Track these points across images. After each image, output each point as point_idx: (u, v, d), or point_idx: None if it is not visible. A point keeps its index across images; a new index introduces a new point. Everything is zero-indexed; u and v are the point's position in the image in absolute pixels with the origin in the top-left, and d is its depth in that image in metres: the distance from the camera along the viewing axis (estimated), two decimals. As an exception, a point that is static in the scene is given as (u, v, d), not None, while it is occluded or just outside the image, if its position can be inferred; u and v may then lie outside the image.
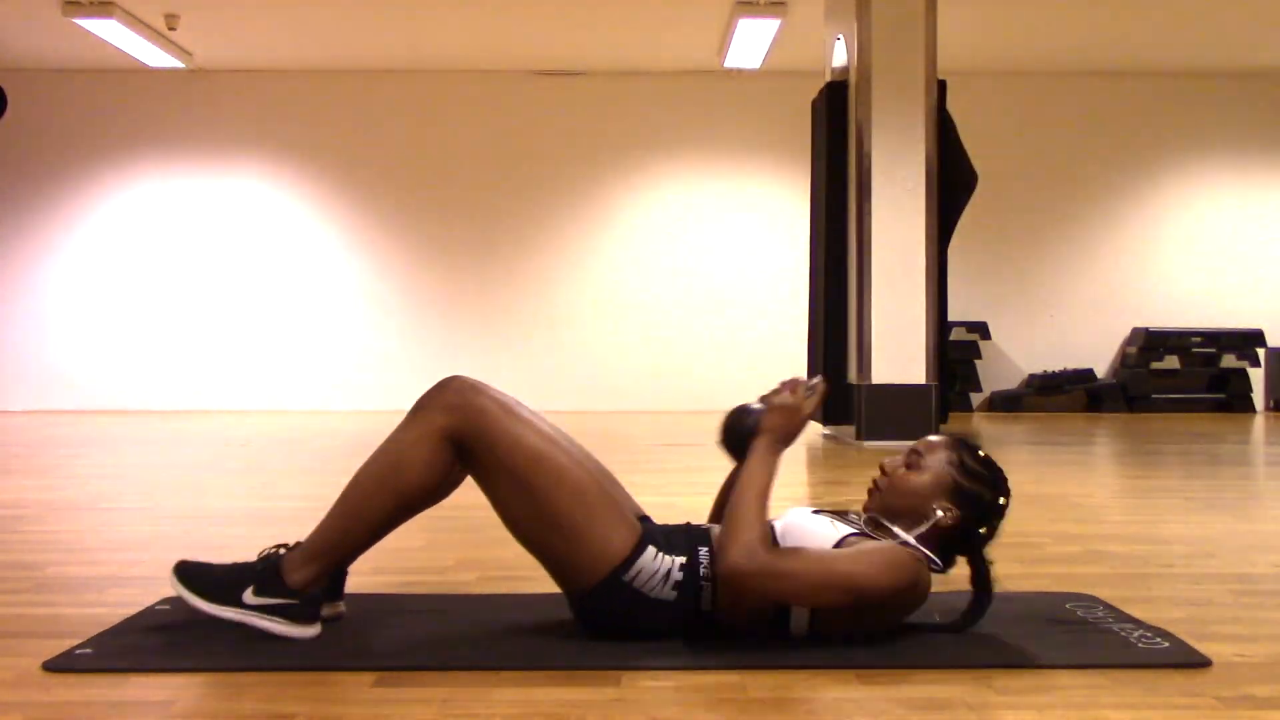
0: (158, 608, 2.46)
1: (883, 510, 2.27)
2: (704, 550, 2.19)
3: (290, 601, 2.17)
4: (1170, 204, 10.55)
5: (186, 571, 2.19)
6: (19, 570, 2.96)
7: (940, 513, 2.21)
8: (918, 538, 2.21)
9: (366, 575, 2.84)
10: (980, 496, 2.23)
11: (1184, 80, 10.47)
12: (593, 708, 1.84)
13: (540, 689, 1.94)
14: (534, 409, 2.35)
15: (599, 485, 2.18)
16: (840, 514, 2.31)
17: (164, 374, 10.20)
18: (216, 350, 10.24)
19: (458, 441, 2.17)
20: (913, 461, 2.27)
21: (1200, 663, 2.08)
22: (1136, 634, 2.25)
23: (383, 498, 2.18)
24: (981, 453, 2.28)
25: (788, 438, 2.20)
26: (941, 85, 7.08)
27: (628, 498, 2.29)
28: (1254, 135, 10.53)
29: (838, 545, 2.14)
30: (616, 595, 2.14)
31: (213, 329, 10.25)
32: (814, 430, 7.82)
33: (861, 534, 2.19)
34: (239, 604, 2.16)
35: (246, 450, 6.51)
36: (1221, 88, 10.48)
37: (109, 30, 8.53)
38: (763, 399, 2.24)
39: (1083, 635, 2.26)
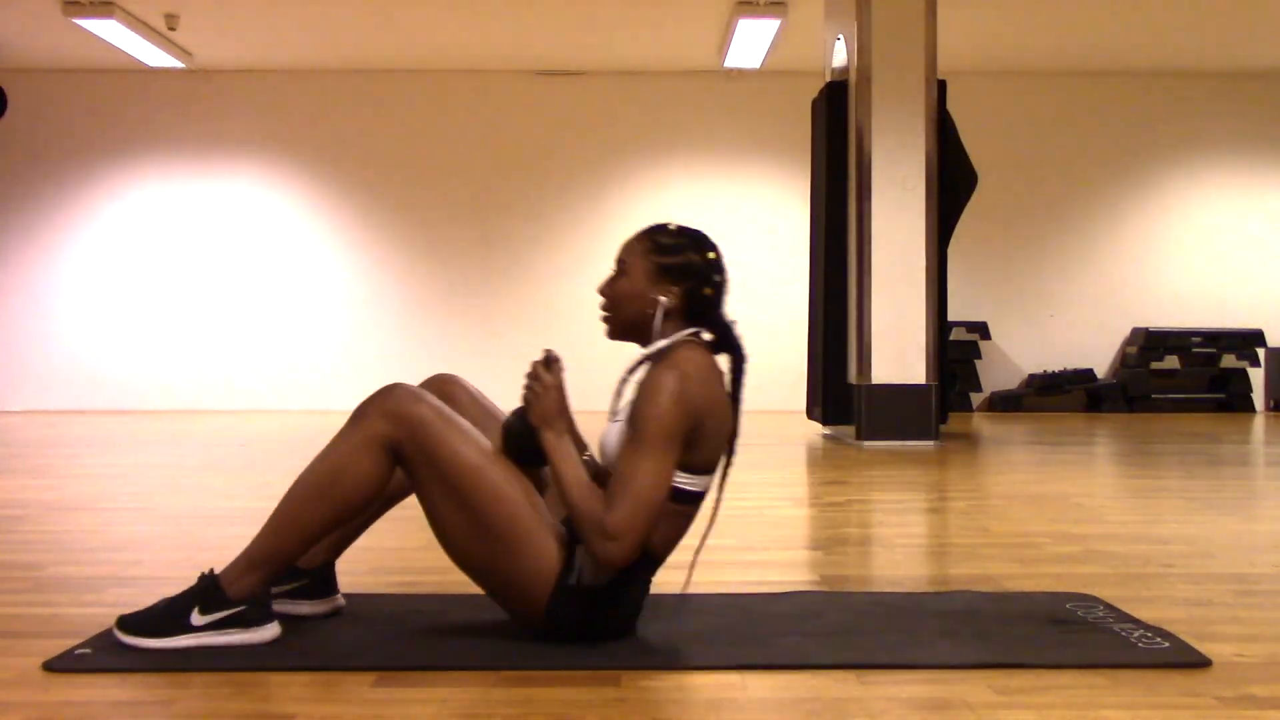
0: (158, 608, 2.46)
1: (620, 330, 2.26)
2: None
3: (237, 610, 2.14)
4: (1170, 204, 10.55)
5: (128, 623, 2.15)
6: (19, 570, 2.96)
7: (663, 299, 2.20)
8: (664, 335, 2.20)
9: (366, 575, 2.84)
10: (688, 263, 2.21)
11: (1184, 80, 10.47)
12: (593, 708, 1.84)
13: (540, 689, 1.94)
14: (496, 406, 2.34)
15: (534, 497, 2.16)
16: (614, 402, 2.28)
17: (164, 374, 10.20)
18: (217, 350, 10.24)
19: (396, 450, 2.14)
20: (618, 270, 2.25)
21: (1200, 663, 2.08)
22: (1136, 634, 2.25)
23: (322, 507, 2.15)
24: (671, 225, 2.26)
25: (561, 414, 2.19)
26: (941, 85, 7.08)
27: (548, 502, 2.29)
28: (1254, 135, 10.53)
29: (629, 424, 2.13)
30: (572, 602, 2.13)
31: (213, 329, 10.25)
32: (814, 430, 7.81)
33: (628, 400, 2.17)
34: (189, 629, 2.12)
35: (246, 450, 6.51)
36: (1221, 88, 10.48)
37: (109, 30, 8.53)
38: (522, 398, 2.23)
39: (1083, 635, 2.26)
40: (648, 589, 2.23)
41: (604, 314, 2.27)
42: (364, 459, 2.14)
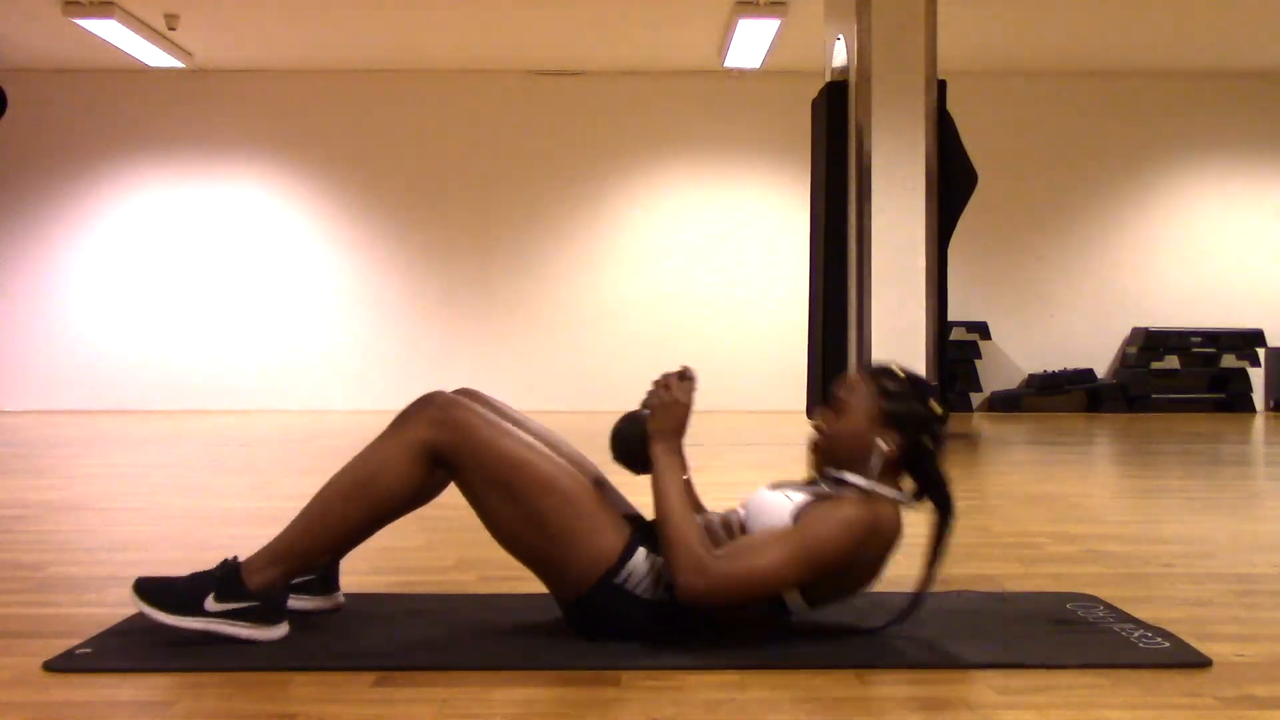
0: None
1: (830, 464, 2.25)
2: None
3: (252, 604, 2.14)
4: (1170, 204, 10.55)
5: (146, 587, 2.15)
6: (19, 570, 2.96)
7: (882, 444, 2.19)
8: (877, 478, 2.19)
9: (366, 575, 2.84)
10: (912, 412, 2.20)
11: (1184, 80, 10.46)
12: (593, 708, 1.84)
13: (540, 689, 1.94)
14: (523, 413, 2.35)
15: (587, 489, 2.16)
16: (803, 484, 2.28)
17: (164, 374, 10.20)
18: (216, 350, 10.23)
19: (441, 456, 2.15)
20: (839, 406, 2.25)
21: (1200, 663, 2.08)
22: (1136, 634, 2.25)
23: (354, 508, 2.16)
24: (898, 371, 2.26)
25: (679, 432, 2.20)
26: (941, 85, 7.08)
27: (621, 499, 2.29)
28: (1254, 135, 10.53)
29: (795, 517, 2.13)
30: (610, 598, 2.13)
31: (213, 329, 10.25)
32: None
33: (819, 497, 2.17)
34: (201, 613, 2.13)
35: (246, 450, 6.51)
36: (1221, 88, 10.48)
37: (109, 30, 8.53)
38: (644, 403, 2.23)
39: (1083, 635, 2.26)
40: (680, 628, 2.20)
41: (818, 447, 2.26)
42: (402, 464, 2.15)
